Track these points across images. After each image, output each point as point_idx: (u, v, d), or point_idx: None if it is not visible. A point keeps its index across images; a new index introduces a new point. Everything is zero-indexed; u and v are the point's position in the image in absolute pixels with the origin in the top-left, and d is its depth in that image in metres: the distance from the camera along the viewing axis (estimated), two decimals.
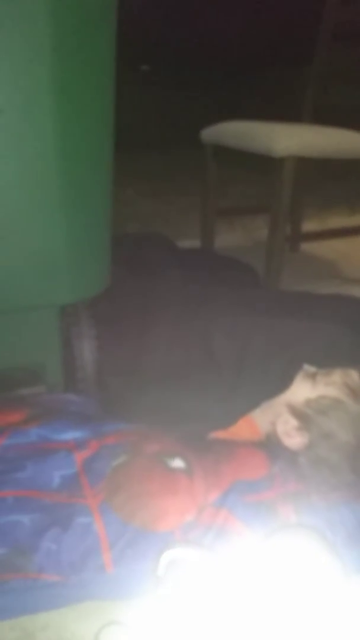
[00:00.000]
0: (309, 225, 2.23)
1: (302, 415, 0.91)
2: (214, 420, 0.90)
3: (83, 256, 0.91)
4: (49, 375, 1.00)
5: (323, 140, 1.53)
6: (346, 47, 1.83)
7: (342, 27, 1.82)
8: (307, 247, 2.08)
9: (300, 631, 0.55)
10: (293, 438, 0.91)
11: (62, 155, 0.84)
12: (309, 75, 1.87)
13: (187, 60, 4.71)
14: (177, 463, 0.83)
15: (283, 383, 0.91)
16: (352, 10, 1.80)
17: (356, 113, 1.75)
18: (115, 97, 0.94)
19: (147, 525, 0.76)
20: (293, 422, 0.92)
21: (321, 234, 1.92)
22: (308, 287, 1.75)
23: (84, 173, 0.88)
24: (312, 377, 0.94)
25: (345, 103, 1.80)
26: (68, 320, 0.98)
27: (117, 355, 0.96)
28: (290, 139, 1.46)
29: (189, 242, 1.99)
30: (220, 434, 0.94)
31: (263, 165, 1.56)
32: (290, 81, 2.48)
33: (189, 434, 0.90)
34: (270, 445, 0.94)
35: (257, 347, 0.94)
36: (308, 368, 0.95)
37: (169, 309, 1.04)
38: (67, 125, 0.83)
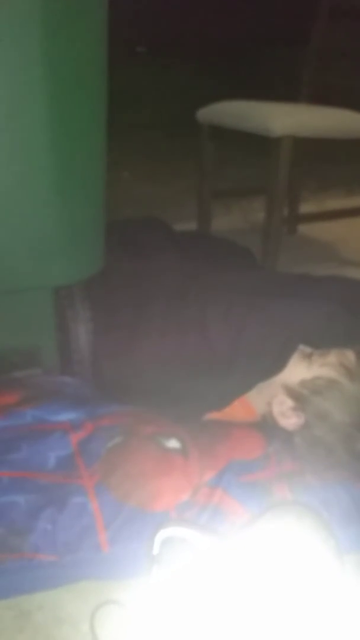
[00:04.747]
0: (307, 208, 2.21)
1: (298, 396, 0.91)
2: (209, 402, 0.90)
3: (76, 237, 0.90)
4: (44, 358, 1.00)
5: (320, 119, 1.51)
6: (343, 26, 1.80)
7: (338, 5, 1.79)
8: (304, 229, 2.06)
9: (294, 610, 0.55)
10: (289, 418, 0.91)
11: (54, 135, 0.83)
12: (306, 55, 1.84)
13: (183, 42, 4.65)
14: (173, 443, 0.83)
15: (278, 364, 0.91)
16: None
17: (354, 92, 1.73)
18: (109, 78, 0.92)
19: (143, 505, 0.76)
20: (289, 403, 0.92)
21: (319, 216, 1.91)
22: (305, 270, 1.73)
23: (77, 153, 0.87)
24: (308, 357, 0.93)
25: (343, 82, 1.77)
26: (63, 303, 0.97)
27: (112, 339, 0.96)
28: (287, 118, 1.45)
29: (185, 224, 1.97)
30: (215, 415, 0.94)
31: (261, 146, 1.54)
32: (287, 61, 2.44)
33: (184, 416, 0.90)
34: (265, 426, 0.94)
35: (252, 329, 0.93)
36: (304, 348, 0.94)
37: (163, 292, 1.03)
38: (59, 104, 0.82)
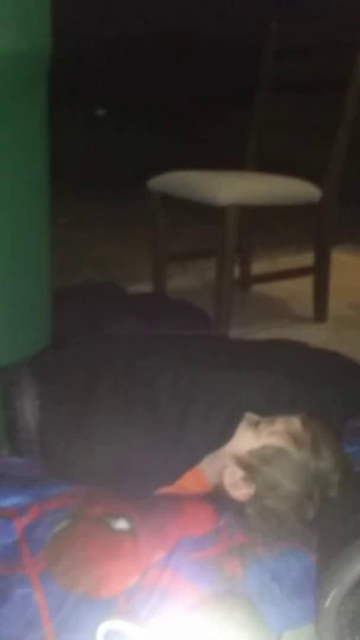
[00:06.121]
0: (260, 265, 2.28)
1: (247, 466, 0.91)
2: (158, 477, 0.90)
3: (21, 315, 0.92)
4: None
5: (263, 188, 1.59)
6: (284, 97, 1.92)
7: (279, 79, 1.92)
8: (258, 286, 2.12)
9: None
10: (240, 489, 0.91)
11: None
12: (250, 124, 1.95)
13: (142, 105, 4.84)
14: (121, 524, 0.82)
15: (225, 434, 0.92)
16: (287, 62, 1.89)
17: (298, 160, 1.83)
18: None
19: (89, 592, 0.74)
20: (239, 473, 0.92)
21: (270, 276, 1.97)
22: (258, 327, 1.79)
23: (19, 233, 0.89)
24: (255, 426, 0.94)
25: (286, 150, 1.87)
26: (7, 380, 0.97)
27: (60, 415, 0.95)
28: (232, 188, 1.52)
29: (144, 285, 2.01)
30: (168, 489, 0.93)
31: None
32: (238, 127, 2.58)
33: (135, 492, 0.89)
34: (218, 497, 0.93)
35: (198, 400, 0.94)
36: (251, 417, 0.96)
37: (114, 366, 1.04)
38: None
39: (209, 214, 1.54)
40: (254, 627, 0.57)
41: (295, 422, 0.94)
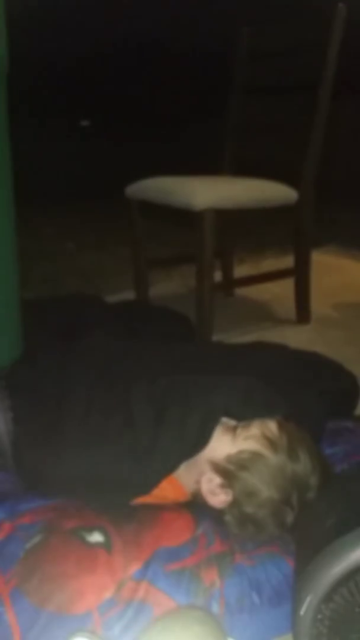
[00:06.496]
0: (243, 269, 2.28)
1: (225, 472, 0.90)
2: (134, 487, 0.88)
3: None
4: None
5: (239, 192, 1.59)
6: (257, 100, 1.91)
7: (252, 82, 1.92)
8: (241, 290, 2.12)
9: None
10: (217, 496, 0.90)
11: None
12: (226, 128, 1.95)
13: (127, 115, 4.86)
14: (96, 537, 0.81)
15: (200, 440, 0.90)
16: (260, 65, 1.89)
17: (273, 162, 1.83)
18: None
19: (63, 608, 0.73)
20: (217, 480, 0.90)
21: (251, 279, 1.97)
22: (242, 331, 1.78)
23: None
24: (232, 431, 0.93)
25: (262, 153, 1.87)
26: None
27: (34, 427, 0.94)
28: (207, 193, 1.51)
29: (126, 293, 2.00)
30: (145, 499, 0.92)
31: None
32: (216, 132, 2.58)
33: (110, 503, 0.88)
34: (197, 504, 0.92)
35: (174, 407, 0.93)
36: (227, 421, 0.95)
37: (89, 375, 1.03)
38: None
39: (186, 219, 1.53)
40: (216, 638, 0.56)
41: (271, 425, 0.92)
